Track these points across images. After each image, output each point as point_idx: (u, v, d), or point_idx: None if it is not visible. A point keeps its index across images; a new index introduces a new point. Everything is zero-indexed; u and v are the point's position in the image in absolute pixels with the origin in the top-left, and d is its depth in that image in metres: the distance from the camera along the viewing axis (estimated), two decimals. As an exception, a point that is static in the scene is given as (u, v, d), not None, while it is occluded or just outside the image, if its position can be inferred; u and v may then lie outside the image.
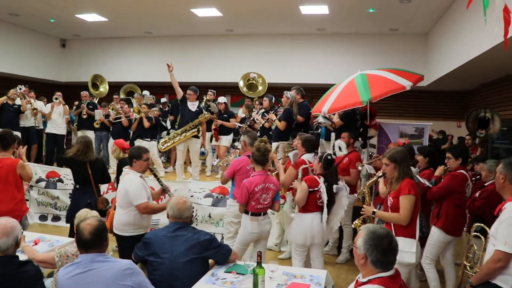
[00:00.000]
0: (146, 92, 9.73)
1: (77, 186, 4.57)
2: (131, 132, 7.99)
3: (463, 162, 3.97)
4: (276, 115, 6.06)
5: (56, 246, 3.34)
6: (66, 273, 2.33)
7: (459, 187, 3.84)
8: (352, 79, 5.37)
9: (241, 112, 8.38)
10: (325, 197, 3.74)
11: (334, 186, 3.84)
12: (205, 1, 8.09)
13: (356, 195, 4.54)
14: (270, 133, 6.09)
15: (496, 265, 2.45)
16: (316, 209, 3.83)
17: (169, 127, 8.81)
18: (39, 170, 6.56)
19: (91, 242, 2.34)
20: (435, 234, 3.85)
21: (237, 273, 2.93)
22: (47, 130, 8.21)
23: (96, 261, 2.32)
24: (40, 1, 8.35)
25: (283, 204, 4.76)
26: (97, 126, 8.45)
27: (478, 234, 3.55)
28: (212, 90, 8.07)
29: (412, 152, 4.49)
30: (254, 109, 7.67)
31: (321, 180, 3.81)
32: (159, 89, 11.39)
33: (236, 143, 6.98)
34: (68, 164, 4.63)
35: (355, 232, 4.08)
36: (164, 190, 4.11)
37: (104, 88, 10.86)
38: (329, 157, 3.85)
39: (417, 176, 3.79)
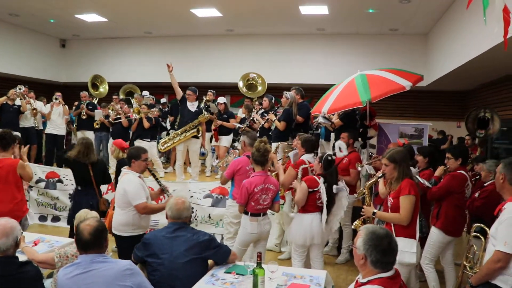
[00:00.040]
0: (145, 93, 9.74)
1: (79, 188, 4.57)
2: (131, 133, 7.99)
3: (463, 162, 3.97)
4: (276, 115, 6.06)
5: (55, 246, 3.34)
6: (66, 274, 2.33)
7: (459, 187, 3.84)
8: (351, 79, 5.37)
9: (240, 113, 8.38)
10: (324, 198, 3.74)
11: (334, 186, 3.84)
12: (205, 2, 8.09)
13: (355, 195, 4.54)
14: (270, 133, 6.09)
15: (496, 265, 2.44)
16: (315, 210, 3.83)
17: (168, 127, 8.80)
18: (38, 171, 6.55)
19: (91, 242, 2.34)
20: (435, 234, 3.85)
21: (237, 274, 2.93)
22: (47, 131, 8.21)
23: (95, 262, 2.33)
24: (40, 1, 8.35)
25: (283, 204, 4.76)
26: (97, 126, 8.45)
27: (478, 234, 3.55)
28: (212, 91, 8.08)
29: (412, 152, 4.49)
30: (254, 109, 7.67)
31: (320, 180, 3.81)
32: (158, 89, 11.40)
33: (236, 144, 6.98)
34: (70, 165, 4.63)
35: (354, 232, 4.09)
36: (163, 190, 4.11)
37: (104, 89, 10.86)
38: (329, 157, 3.85)
39: (417, 176, 3.79)
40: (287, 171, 4.40)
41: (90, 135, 8.42)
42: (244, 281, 2.80)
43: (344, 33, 10.08)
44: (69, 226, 4.73)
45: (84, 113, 8.55)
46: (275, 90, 8.95)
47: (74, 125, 9.19)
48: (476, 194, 4.29)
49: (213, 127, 7.70)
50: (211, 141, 8.06)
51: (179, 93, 6.55)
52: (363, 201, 3.93)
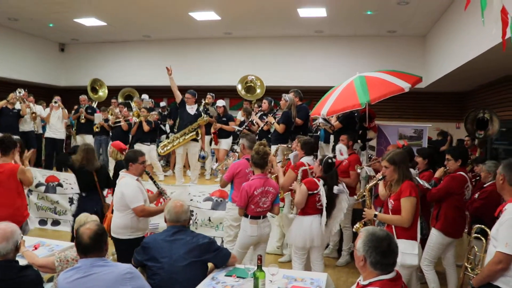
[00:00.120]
0: (145, 96, 9.74)
1: (83, 194, 4.58)
2: (131, 136, 7.99)
3: (462, 163, 3.98)
4: (275, 118, 6.07)
5: (56, 250, 3.33)
6: (66, 278, 2.32)
7: (459, 188, 3.84)
8: (350, 81, 5.38)
9: (240, 115, 8.38)
10: (324, 200, 3.74)
11: (335, 187, 3.84)
12: (203, 5, 8.11)
13: (355, 197, 4.54)
14: (269, 136, 6.09)
15: (497, 266, 2.44)
16: (315, 212, 3.83)
17: (168, 130, 8.81)
18: (38, 175, 6.54)
19: (91, 246, 2.34)
20: (434, 235, 3.85)
21: (237, 277, 2.92)
22: (46, 135, 8.20)
23: (96, 266, 2.32)
24: (39, 6, 8.37)
25: (283, 207, 4.76)
26: (96, 130, 8.45)
27: (479, 235, 3.55)
28: (211, 94, 8.08)
29: (412, 154, 4.49)
30: (253, 112, 7.67)
31: (320, 183, 3.81)
32: (157, 92, 11.38)
33: (235, 147, 6.98)
34: (75, 172, 4.63)
35: (355, 234, 4.08)
36: (161, 193, 4.11)
37: (103, 92, 10.85)
38: (329, 160, 3.85)
39: (417, 177, 3.79)
40: (286, 173, 4.40)
41: (89, 139, 8.43)
42: (244, 284, 2.80)
43: (343, 35, 10.09)
44: (69, 230, 4.73)
45: (83, 117, 8.55)
46: (274, 93, 8.96)
47: (74, 129, 9.18)
48: (476, 195, 4.29)
49: (212, 130, 7.70)
50: (210, 144, 8.06)
51: (178, 96, 6.55)
52: (363, 203, 3.92)
